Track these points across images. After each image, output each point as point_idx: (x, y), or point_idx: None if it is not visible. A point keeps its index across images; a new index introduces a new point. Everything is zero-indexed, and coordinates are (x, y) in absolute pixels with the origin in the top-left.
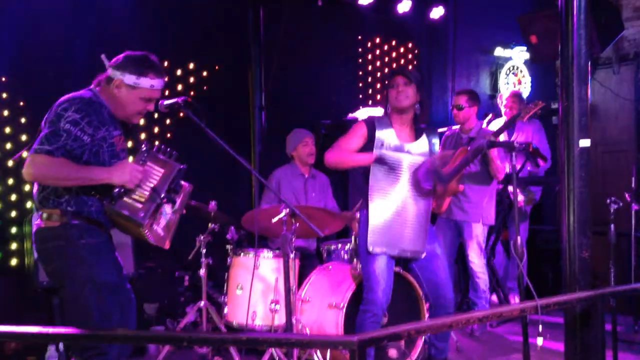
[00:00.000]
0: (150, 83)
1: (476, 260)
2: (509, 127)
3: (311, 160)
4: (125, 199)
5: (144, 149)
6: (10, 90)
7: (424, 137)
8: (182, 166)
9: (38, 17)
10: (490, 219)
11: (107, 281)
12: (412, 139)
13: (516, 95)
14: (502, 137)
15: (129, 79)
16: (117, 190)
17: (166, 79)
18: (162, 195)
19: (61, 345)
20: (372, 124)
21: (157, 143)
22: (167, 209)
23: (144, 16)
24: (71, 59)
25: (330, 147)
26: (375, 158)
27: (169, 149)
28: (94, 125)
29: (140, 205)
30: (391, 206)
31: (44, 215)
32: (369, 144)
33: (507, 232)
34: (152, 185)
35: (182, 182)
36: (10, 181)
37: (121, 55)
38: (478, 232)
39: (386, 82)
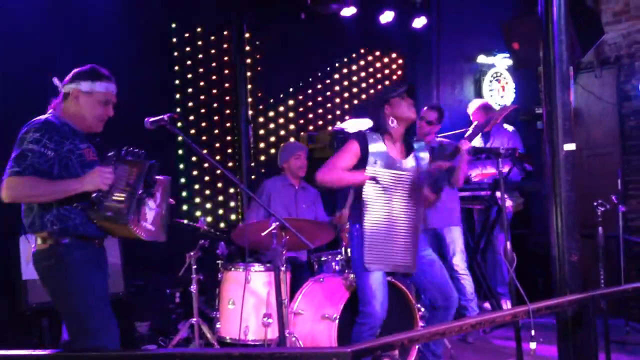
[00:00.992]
0: (104, 86)
1: (460, 264)
2: (478, 133)
3: (302, 173)
4: (105, 202)
5: (110, 154)
6: None
7: (413, 153)
8: (152, 162)
9: (20, 36)
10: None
11: (101, 287)
12: (403, 155)
13: (484, 108)
14: (480, 144)
15: (85, 86)
16: (95, 195)
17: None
18: (140, 191)
19: None
20: (363, 140)
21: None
22: (151, 204)
23: (123, 29)
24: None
25: (323, 165)
26: (368, 178)
27: (136, 150)
28: (55, 140)
29: (121, 205)
30: (385, 223)
31: (38, 239)
32: (361, 161)
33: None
34: (127, 183)
35: (158, 176)
36: None
37: (70, 73)
38: (457, 236)
39: (392, 94)
